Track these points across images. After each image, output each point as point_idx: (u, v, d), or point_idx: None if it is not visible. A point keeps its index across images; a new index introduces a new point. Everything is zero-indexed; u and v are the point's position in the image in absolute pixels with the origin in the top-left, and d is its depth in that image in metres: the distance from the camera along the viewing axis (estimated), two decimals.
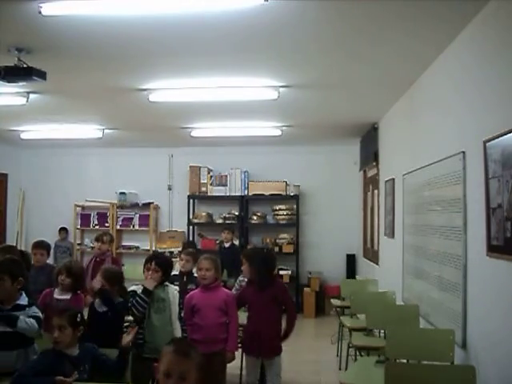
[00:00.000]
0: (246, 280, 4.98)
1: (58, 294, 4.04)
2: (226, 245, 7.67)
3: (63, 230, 9.42)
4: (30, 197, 9.73)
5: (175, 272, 5.15)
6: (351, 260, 8.91)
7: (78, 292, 4.09)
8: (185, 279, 4.92)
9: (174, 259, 5.54)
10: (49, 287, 4.25)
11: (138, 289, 3.84)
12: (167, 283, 4.00)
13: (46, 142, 8.66)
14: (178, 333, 3.91)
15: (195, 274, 5.05)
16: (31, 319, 3.22)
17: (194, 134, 7.67)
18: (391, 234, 5.95)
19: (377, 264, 6.92)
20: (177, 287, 4.10)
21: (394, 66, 4.48)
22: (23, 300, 3.33)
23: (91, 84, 5.17)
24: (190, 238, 9.01)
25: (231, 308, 4.02)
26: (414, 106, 5.05)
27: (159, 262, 3.89)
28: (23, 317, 3.19)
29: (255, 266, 4.19)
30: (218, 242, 8.80)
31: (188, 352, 2.20)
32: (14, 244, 8.89)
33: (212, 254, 4.38)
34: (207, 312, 3.96)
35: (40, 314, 3.35)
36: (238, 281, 5.27)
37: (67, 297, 4.01)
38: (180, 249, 8.85)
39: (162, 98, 5.43)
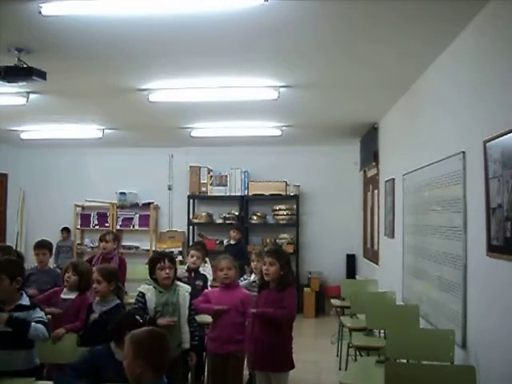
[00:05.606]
0: (252, 280, 4.79)
1: (64, 294, 4.02)
2: (232, 242, 7.69)
3: (65, 229, 9.33)
4: (30, 197, 9.72)
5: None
6: (351, 260, 8.90)
7: (85, 292, 4.02)
8: (192, 275, 4.91)
9: None
10: (52, 288, 4.26)
11: (148, 290, 3.79)
12: (178, 283, 3.93)
13: (46, 142, 8.65)
14: (187, 337, 3.79)
15: (202, 272, 5.04)
16: (41, 327, 3.19)
17: (194, 134, 7.67)
18: (391, 234, 5.95)
19: (377, 264, 6.92)
20: (189, 287, 3.99)
21: (393, 66, 4.47)
22: (24, 300, 3.32)
23: (91, 84, 5.17)
24: (191, 238, 9.02)
25: (248, 308, 3.83)
26: (414, 106, 5.04)
27: (172, 259, 3.87)
28: (34, 325, 3.17)
29: (283, 263, 3.70)
30: (218, 242, 8.83)
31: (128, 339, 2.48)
32: (14, 244, 8.92)
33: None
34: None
35: (45, 318, 3.33)
36: (241, 279, 4.94)
37: (72, 296, 3.97)
38: (180, 249, 8.95)
39: (162, 98, 5.42)
